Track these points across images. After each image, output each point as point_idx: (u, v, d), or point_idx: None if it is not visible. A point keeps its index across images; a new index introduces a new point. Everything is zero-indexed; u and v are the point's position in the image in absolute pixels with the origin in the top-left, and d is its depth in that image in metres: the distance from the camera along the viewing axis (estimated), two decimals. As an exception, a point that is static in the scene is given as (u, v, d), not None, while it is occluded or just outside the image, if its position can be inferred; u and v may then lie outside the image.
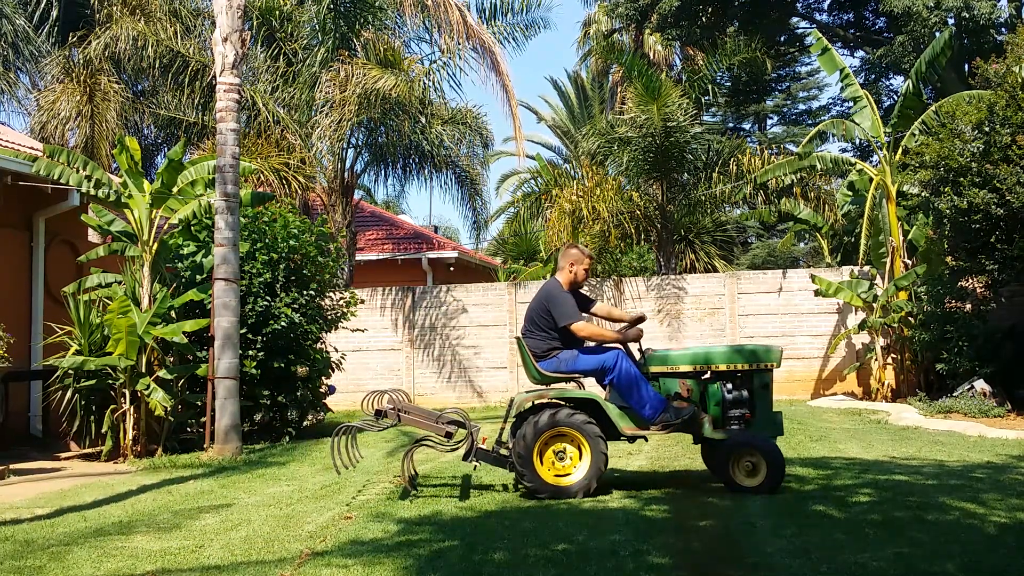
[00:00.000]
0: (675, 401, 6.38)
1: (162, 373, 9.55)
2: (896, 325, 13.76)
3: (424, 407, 7.71)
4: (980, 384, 11.70)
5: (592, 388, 6.56)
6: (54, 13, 18.07)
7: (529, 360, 6.47)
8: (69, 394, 9.63)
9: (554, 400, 6.34)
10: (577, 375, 6.50)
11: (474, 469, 7.08)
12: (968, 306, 12.44)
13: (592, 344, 6.54)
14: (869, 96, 15.05)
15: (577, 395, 6.39)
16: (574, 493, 6.14)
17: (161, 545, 5.17)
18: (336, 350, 12.44)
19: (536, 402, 6.34)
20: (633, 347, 6.54)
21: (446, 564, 4.51)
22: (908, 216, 14.71)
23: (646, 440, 7.10)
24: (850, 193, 15.55)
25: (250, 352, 10.39)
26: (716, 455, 6.41)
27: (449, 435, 6.59)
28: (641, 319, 6.72)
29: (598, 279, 16.95)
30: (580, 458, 6.21)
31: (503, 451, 6.56)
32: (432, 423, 6.64)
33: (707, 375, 6.46)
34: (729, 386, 6.40)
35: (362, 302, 14.04)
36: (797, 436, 9.50)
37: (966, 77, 19.79)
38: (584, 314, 6.65)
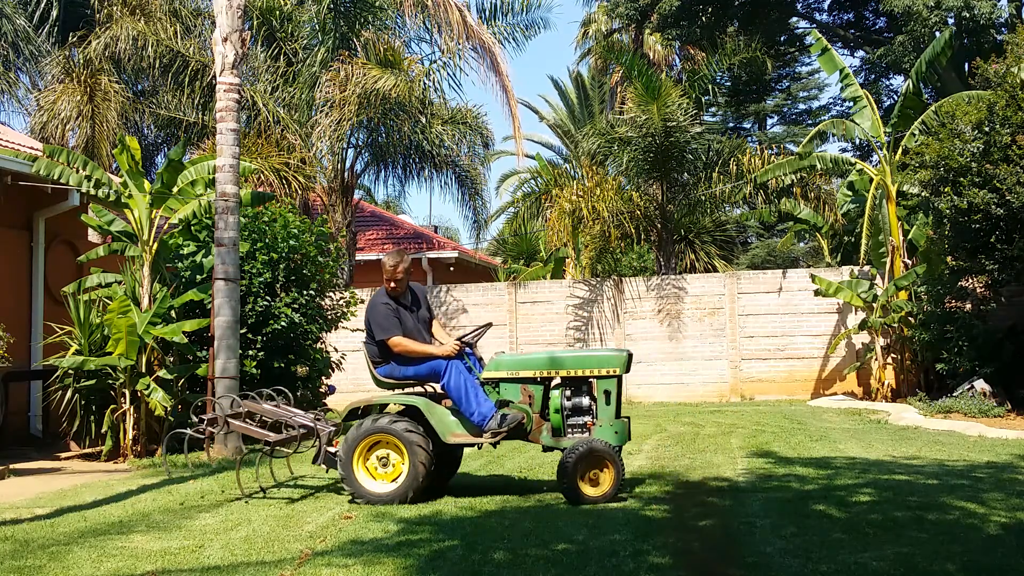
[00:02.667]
0: (505, 408, 6.17)
1: (162, 373, 9.55)
2: (896, 325, 13.76)
3: (283, 408, 7.11)
4: (980, 384, 11.71)
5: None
6: (54, 13, 18.09)
7: (369, 366, 6.45)
8: (69, 394, 9.62)
9: (393, 404, 6.27)
10: (411, 381, 6.40)
11: (326, 472, 6.99)
12: (968, 306, 12.44)
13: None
14: (869, 96, 15.06)
15: (405, 400, 6.26)
16: (390, 500, 6.00)
17: (161, 545, 5.17)
18: (336, 350, 12.44)
19: (364, 406, 6.28)
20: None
21: (446, 564, 4.51)
22: (908, 216, 14.72)
23: (479, 448, 6.86)
24: (850, 193, 15.55)
25: (250, 352, 10.38)
26: (558, 464, 6.02)
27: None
28: (487, 326, 6.66)
29: (598, 279, 16.94)
30: (402, 465, 6.10)
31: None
32: (260, 430, 6.64)
33: (556, 381, 6.27)
34: (568, 393, 6.19)
35: (362, 302, 13.99)
36: (797, 436, 9.51)
37: (966, 77, 19.77)
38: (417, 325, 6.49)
